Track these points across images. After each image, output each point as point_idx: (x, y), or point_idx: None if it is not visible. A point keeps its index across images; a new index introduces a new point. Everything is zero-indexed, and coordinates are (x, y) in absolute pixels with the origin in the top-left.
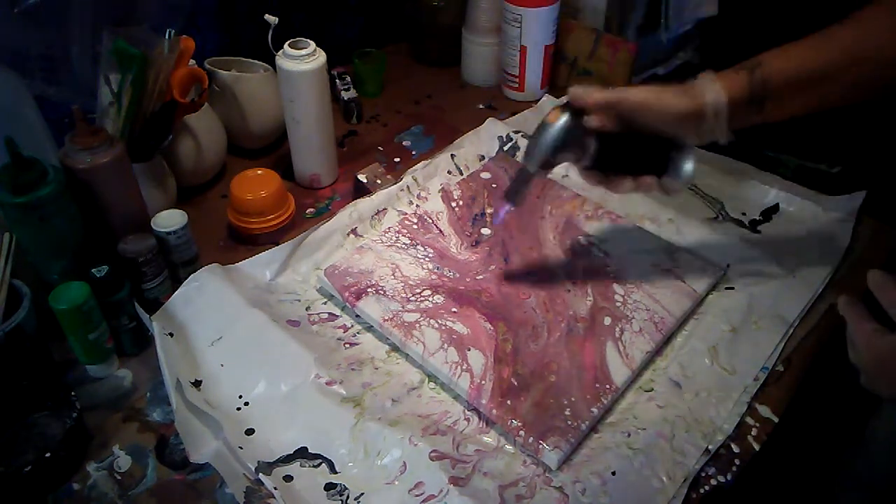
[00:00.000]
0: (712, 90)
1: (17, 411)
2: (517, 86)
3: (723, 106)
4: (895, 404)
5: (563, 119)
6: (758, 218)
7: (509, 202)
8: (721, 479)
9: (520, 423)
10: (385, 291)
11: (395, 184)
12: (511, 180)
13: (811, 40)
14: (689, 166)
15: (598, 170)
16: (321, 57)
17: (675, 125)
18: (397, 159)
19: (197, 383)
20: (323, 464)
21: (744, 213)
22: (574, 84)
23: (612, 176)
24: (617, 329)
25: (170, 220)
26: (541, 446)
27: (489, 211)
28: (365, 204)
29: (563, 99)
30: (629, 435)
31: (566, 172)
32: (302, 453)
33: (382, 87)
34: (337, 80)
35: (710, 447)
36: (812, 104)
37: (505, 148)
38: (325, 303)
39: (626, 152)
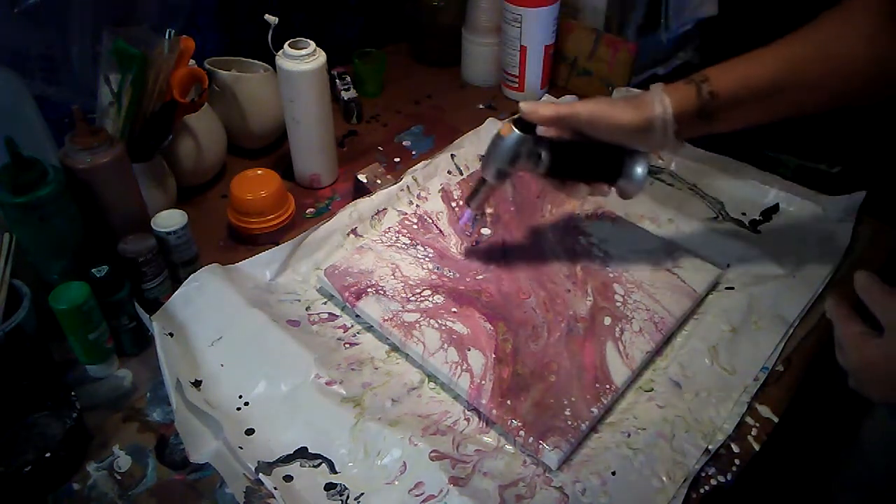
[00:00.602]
0: (660, 104)
1: (17, 411)
2: (517, 86)
3: (670, 119)
4: (886, 406)
5: (515, 132)
6: (758, 218)
7: (468, 206)
8: (721, 479)
9: (520, 423)
10: (385, 291)
11: (395, 184)
12: (471, 188)
13: (756, 55)
14: (640, 170)
15: (554, 176)
16: (321, 57)
17: (624, 137)
18: (397, 159)
19: (197, 383)
20: (323, 464)
21: (744, 213)
22: (573, 83)
23: (569, 182)
24: (617, 329)
25: (170, 220)
26: (541, 446)
27: (489, 211)
28: (365, 204)
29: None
30: (629, 435)
31: None
32: (302, 453)
33: (382, 87)
34: (337, 80)
35: (710, 447)
36: (761, 117)
37: None
38: (325, 303)
39: (580, 159)
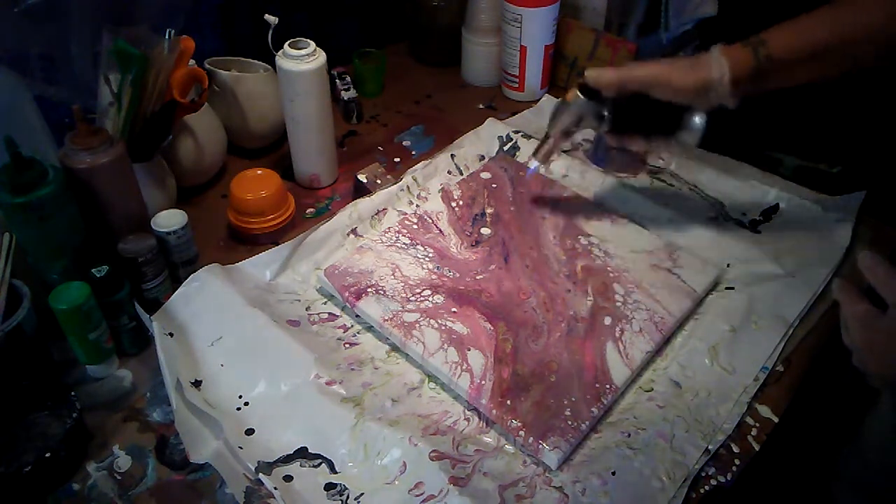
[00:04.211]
0: (718, 67)
1: (17, 411)
2: (517, 86)
3: (727, 82)
4: (889, 400)
5: (581, 98)
6: (758, 218)
7: (535, 159)
8: (721, 479)
9: (520, 423)
10: (385, 291)
11: (395, 184)
12: (537, 144)
13: (812, 18)
14: (698, 121)
15: (615, 132)
16: (321, 57)
17: (682, 97)
18: (397, 159)
19: (197, 383)
20: (323, 464)
21: (744, 214)
22: (573, 83)
23: (628, 136)
24: (617, 329)
25: (170, 220)
26: (541, 446)
27: (489, 211)
28: (365, 204)
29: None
30: (629, 435)
31: (566, 172)
32: (302, 453)
33: (382, 87)
34: (337, 80)
35: (710, 447)
36: (812, 77)
37: (505, 148)
38: (325, 303)
39: (640, 116)
